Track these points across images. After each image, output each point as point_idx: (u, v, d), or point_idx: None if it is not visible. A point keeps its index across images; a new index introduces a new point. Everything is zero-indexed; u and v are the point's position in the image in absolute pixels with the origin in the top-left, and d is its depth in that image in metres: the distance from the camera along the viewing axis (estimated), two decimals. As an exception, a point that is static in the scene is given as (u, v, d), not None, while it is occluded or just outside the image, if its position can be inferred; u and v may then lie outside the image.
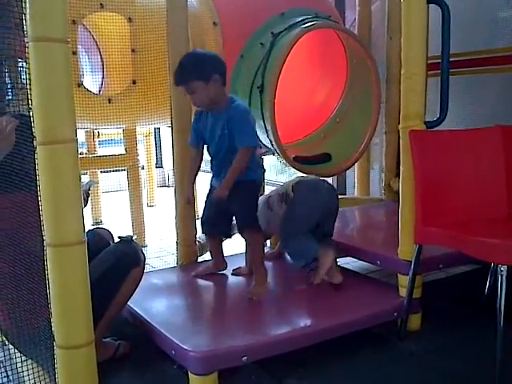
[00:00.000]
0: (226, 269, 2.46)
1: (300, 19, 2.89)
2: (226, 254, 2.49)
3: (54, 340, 1.47)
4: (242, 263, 2.47)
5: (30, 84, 1.36)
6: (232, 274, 2.44)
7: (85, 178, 4.19)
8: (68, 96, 1.38)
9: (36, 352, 1.59)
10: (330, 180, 4.09)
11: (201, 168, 2.37)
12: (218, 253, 2.46)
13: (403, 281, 2.13)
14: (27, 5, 1.32)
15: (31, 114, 1.38)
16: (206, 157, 2.34)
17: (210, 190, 2.35)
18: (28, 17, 1.32)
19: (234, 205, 2.19)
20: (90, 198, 2.15)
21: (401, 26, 2.10)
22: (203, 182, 2.32)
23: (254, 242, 2.26)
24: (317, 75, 3.46)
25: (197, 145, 2.30)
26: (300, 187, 2.42)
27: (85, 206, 2.13)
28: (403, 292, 2.13)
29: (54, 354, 1.49)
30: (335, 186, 4.15)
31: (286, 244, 2.36)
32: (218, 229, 2.38)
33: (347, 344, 1.99)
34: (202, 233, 2.50)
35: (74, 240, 1.41)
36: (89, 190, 2.12)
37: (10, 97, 1.76)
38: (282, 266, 2.59)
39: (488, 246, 1.75)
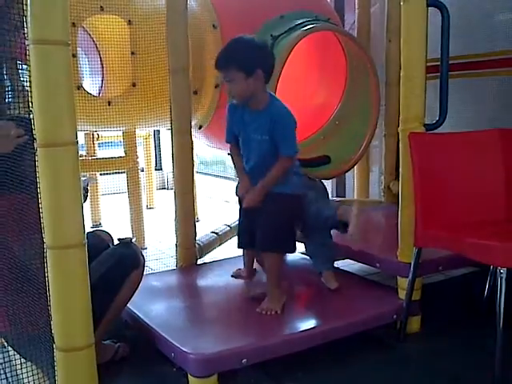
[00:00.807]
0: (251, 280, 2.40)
1: (299, 22, 2.90)
2: (225, 255, 2.47)
3: (54, 342, 1.46)
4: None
5: (30, 86, 1.36)
6: (232, 276, 2.43)
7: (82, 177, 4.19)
8: (69, 98, 1.38)
9: (35, 354, 1.59)
10: (329, 182, 4.11)
11: (200, 171, 2.36)
12: (251, 263, 2.38)
13: (403, 283, 2.13)
14: (28, 7, 1.32)
15: (31, 116, 1.38)
16: (203, 159, 2.31)
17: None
18: (29, 19, 1.32)
19: (259, 219, 2.06)
20: (88, 196, 2.13)
21: (400, 29, 2.11)
22: (203, 184, 2.31)
23: (271, 264, 2.10)
24: (316, 78, 3.47)
25: (233, 140, 2.14)
26: None
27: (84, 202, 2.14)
28: (402, 294, 2.13)
29: (53, 357, 1.49)
30: (335, 188, 4.17)
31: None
32: (250, 242, 2.17)
33: (346, 346, 1.99)
34: (238, 247, 2.32)
35: (75, 242, 1.41)
36: (87, 186, 2.11)
37: (10, 99, 1.76)
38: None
39: (487, 248, 1.75)
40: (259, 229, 2.06)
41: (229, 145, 2.20)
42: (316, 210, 2.26)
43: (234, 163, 2.22)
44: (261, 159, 2.06)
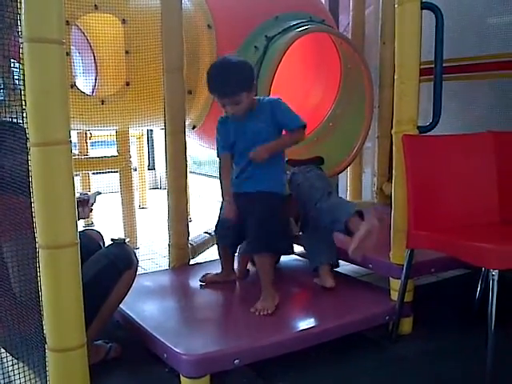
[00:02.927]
0: (234, 279, 2.40)
1: (294, 23, 2.90)
2: (218, 256, 2.46)
3: (46, 343, 1.46)
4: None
5: (23, 85, 1.35)
6: (200, 281, 2.37)
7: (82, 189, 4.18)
8: (62, 97, 1.37)
9: (27, 355, 1.58)
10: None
11: (193, 171, 2.35)
12: (229, 263, 2.37)
13: (395, 285, 2.14)
14: (22, 5, 1.31)
15: (24, 115, 1.37)
16: (196, 159, 2.31)
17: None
18: (23, 17, 1.32)
19: (249, 220, 2.08)
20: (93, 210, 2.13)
21: (394, 32, 2.11)
22: (196, 184, 2.30)
23: (262, 266, 2.11)
24: (310, 79, 3.48)
25: (229, 150, 2.18)
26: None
27: (87, 217, 2.13)
28: (395, 296, 2.14)
29: (45, 357, 1.48)
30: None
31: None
32: (230, 240, 2.25)
33: (339, 347, 2.00)
34: (219, 243, 2.38)
35: (67, 242, 1.40)
36: (94, 201, 2.11)
37: (2, 98, 1.75)
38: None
39: (479, 250, 1.76)
40: (250, 230, 2.07)
41: (221, 157, 2.22)
42: (326, 208, 2.19)
43: (221, 180, 2.22)
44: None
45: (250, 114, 2.11)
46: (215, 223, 2.30)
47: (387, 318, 2.10)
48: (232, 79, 2.03)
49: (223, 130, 2.19)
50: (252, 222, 2.07)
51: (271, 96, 2.69)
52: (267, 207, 2.07)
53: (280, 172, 2.16)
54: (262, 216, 2.06)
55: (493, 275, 1.69)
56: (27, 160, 1.39)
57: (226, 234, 2.23)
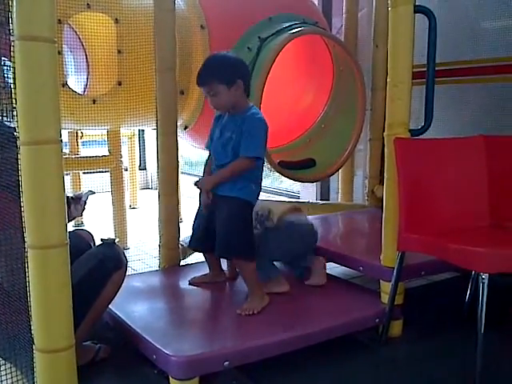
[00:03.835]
0: (224, 280, 2.39)
1: (287, 25, 2.91)
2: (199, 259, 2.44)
3: (34, 343, 1.44)
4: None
5: (14, 83, 1.34)
6: (189, 284, 2.36)
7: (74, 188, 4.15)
8: (53, 96, 1.36)
9: (14, 355, 1.57)
10: (313, 185, 4.13)
11: (185, 171, 2.35)
12: (215, 264, 2.37)
13: (385, 287, 2.14)
14: (14, 3, 1.30)
15: (15, 113, 1.36)
16: (188, 160, 2.31)
17: (199, 199, 2.24)
18: (14, 15, 1.30)
19: (218, 225, 2.08)
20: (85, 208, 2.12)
21: (387, 35, 2.12)
22: (188, 184, 2.29)
23: (242, 269, 2.13)
24: (303, 81, 3.48)
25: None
26: (287, 221, 2.35)
27: (80, 215, 2.12)
28: (385, 298, 2.14)
29: (33, 358, 1.46)
30: (319, 191, 4.18)
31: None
32: (205, 245, 2.22)
33: (328, 350, 1.99)
34: (189, 247, 2.39)
35: (57, 242, 1.39)
36: (87, 199, 2.10)
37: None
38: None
39: (470, 254, 1.77)
40: (217, 234, 2.08)
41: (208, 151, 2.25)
42: (287, 248, 2.29)
43: (204, 167, 2.27)
44: (228, 158, 2.08)
45: (235, 117, 2.10)
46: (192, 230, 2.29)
47: (377, 320, 2.10)
48: (208, 68, 2.06)
49: (214, 125, 2.21)
50: (217, 228, 2.09)
51: (265, 97, 2.70)
52: (231, 213, 2.06)
53: (247, 179, 2.10)
54: (225, 222, 2.06)
55: (483, 279, 1.70)
56: (16, 158, 1.37)
57: (197, 237, 2.24)
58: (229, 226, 2.05)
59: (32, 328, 1.44)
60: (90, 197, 2.12)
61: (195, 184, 2.14)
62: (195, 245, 2.29)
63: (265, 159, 2.78)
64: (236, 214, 2.06)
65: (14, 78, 1.33)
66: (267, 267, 2.25)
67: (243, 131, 2.05)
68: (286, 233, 2.32)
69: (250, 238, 2.11)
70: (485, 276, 1.69)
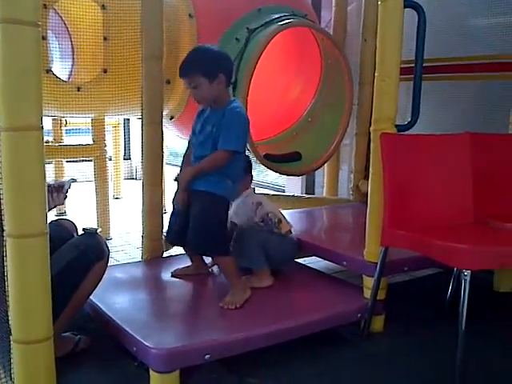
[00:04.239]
0: (206, 272, 2.38)
1: (276, 16, 2.89)
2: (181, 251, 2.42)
3: (11, 334, 1.42)
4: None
5: (-5, 67, 1.31)
6: (172, 276, 2.34)
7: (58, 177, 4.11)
8: (36, 82, 1.33)
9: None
10: (299, 179, 4.13)
11: (170, 162, 2.32)
12: (196, 258, 2.35)
13: (368, 282, 2.14)
14: (-4, -15, 1.27)
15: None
16: (173, 150, 2.28)
17: (175, 193, 2.21)
18: (-4, -3, 1.27)
19: (191, 220, 2.06)
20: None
21: (376, 29, 2.11)
22: (172, 175, 2.26)
23: (221, 264, 2.14)
24: (291, 73, 3.46)
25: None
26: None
27: (62, 203, 2.08)
28: (368, 293, 2.14)
29: (10, 349, 1.44)
30: (304, 185, 4.18)
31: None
32: (182, 239, 2.17)
33: (310, 344, 1.99)
34: (166, 241, 2.40)
35: (36, 231, 1.36)
36: (69, 187, 2.06)
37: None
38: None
39: (452, 250, 1.77)
40: (188, 230, 2.07)
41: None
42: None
43: (183, 161, 2.25)
44: (207, 151, 2.07)
45: (216, 111, 2.08)
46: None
47: (359, 315, 2.11)
48: (190, 60, 2.06)
49: (197, 119, 2.19)
50: (191, 223, 2.07)
51: (253, 88, 2.68)
52: (204, 208, 2.04)
53: (223, 175, 2.08)
54: (197, 217, 2.05)
55: (465, 275, 1.70)
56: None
57: (174, 231, 2.22)
58: (201, 222, 2.04)
59: (10, 318, 1.41)
60: (72, 185, 2.08)
61: (175, 179, 2.12)
62: (172, 239, 2.29)
63: (250, 151, 2.78)
64: (209, 210, 2.04)
65: (-4, 62, 1.30)
66: (255, 257, 2.25)
67: (222, 124, 2.03)
68: (287, 245, 2.36)
69: (223, 234, 2.10)
70: (467, 273, 1.70)
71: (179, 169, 2.26)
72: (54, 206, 2.00)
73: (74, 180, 2.10)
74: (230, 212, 2.26)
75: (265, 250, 2.24)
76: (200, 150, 2.11)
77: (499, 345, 2.08)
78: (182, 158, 2.28)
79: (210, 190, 2.05)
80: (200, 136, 2.12)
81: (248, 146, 2.78)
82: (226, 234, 2.14)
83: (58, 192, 2.00)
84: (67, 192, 2.06)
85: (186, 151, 2.25)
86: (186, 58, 2.08)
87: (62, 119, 4.14)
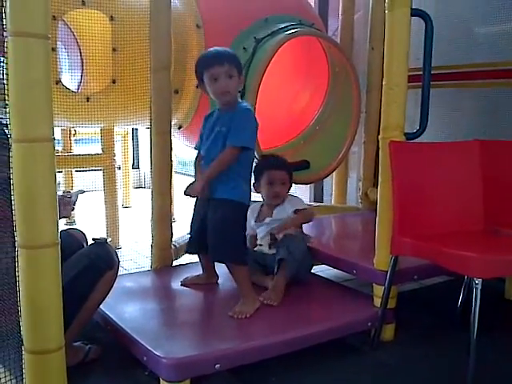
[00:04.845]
0: (216, 282, 2.38)
1: (283, 25, 2.90)
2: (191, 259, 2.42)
3: (23, 344, 1.42)
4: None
5: (7, 80, 1.32)
6: (181, 285, 2.35)
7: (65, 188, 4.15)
8: (46, 94, 1.34)
9: (3, 356, 1.54)
10: (307, 187, 4.12)
11: (178, 171, 2.33)
12: (209, 266, 2.35)
13: (378, 291, 2.13)
14: (7, -2, 1.28)
15: (7, 110, 1.34)
16: (182, 159, 2.28)
17: (196, 202, 2.23)
18: (8, 10, 1.28)
19: (211, 227, 2.07)
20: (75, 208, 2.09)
21: (383, 37, 2.11)
22: (181, 184, 2.27)
23: (234, 273, 2.10)
24: (298, 82, 3.47)
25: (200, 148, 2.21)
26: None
27: (69, 215, 2.09)
28: (377, 302, 2.13)
29: (22, 359, 1.44)
30: (312, 193, 4.17)
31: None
32: (201, 247, 2.20)
33: (320, 353, 1.99)
34: (187, 252, 2.40)
35: (48, 242, 1.37)
36: (76, 199, 2.08)
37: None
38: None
39: (463, 259, 1.76)
40: (209, 238, 2.08)
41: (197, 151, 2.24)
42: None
43: (195, 169, 2.24)
44: (218, 151, 2.06)
45: (225, 112, 2.08)
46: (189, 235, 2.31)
47: (369, 324, 2.10)
48: (224, 51, 2.10)
49: (204, 125, 2.20)
50: (210, 231, 2.08)
51: (260, 98, 2.69)
52: (223, 216, 2.04)
53: (238, 178, 2.08)
54: (217, 225, 2.05)
55: (476, 284, 1.69)
56: (8, 156, 1.35)
57: (194, 241, 2.25)
58: (221, 230, 2.04)
59: (21, 329, 1.42)
60: (79, 196, 2.10)
61: (185, 193, 2.10)
62: (192, 250, 2.31)
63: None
64: (228, 217, 2.05)
65: (7, 74, 1.31)
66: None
67: (232, 122, 2.03)
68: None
69: (242, 242, 2.11)
70: (478, 281, 1.69)
71: (190, 177, 2.26)
72: (62, 218, 2.01)
73: (81, 192, 2.12)
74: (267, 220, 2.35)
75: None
76: (211, 152, 2.09)
77: None
78: (192, 168, 2.28)
79: (226, 196, 2.05)
80: (208, 141, 2.11)
81: (256, 154, 2.79)
82: (244, 242, 2.16)
83: (66, 204, 2.01)
84: (74, 204, 2.07)
85: (196, 158, 2.24)
86: (215, 50, 2.10)
87: (72, 129, 4.17)
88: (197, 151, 2.24)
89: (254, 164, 2.36)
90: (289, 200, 2.43)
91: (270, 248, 2.37)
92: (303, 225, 2.50)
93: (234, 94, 2.07)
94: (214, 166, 2.04)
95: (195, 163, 2.24)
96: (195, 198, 2.21)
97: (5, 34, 1.31)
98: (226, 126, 2.05)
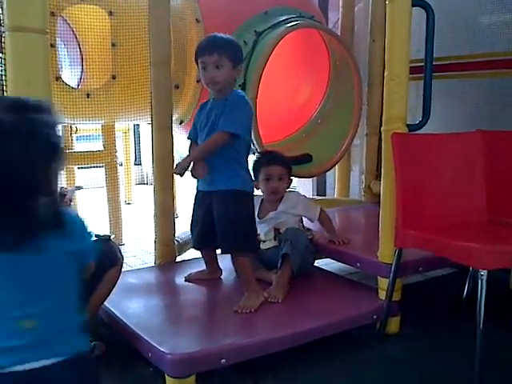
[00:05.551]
0: (220, 276, 2.38)
1: (283, 18, 2.88)
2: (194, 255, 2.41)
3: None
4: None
5: (5, 75, 1.31)
6: (185, 281, 2.34)
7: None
8: (45, 89, 1.34)
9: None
10: (310, 181, 4.11)
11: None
12: (212, 261, 2.34)
13: (383, 284, 2.12)
14: (5, -7, 1.27)
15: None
16: (183, 155, 2.25)
17: (196, 196, 2.22)
18: (5, 5, 1.27)
19: (218, 220, 2.06)
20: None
21: (384, 29, 2.10)
22: (182, 179, 2.25)
23: (239, 266, 2.12)
24: (299, 75, 3.45)
25: (196, 138, 2.15)
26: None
27: None
28: (382, 295, 2.12)
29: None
30: (315, 186, 4.16)
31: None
32: (208, 241, 2.18)
33: (326, 346, 1.98)
34: (192, 247, 2.37)
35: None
36: (72, 196, 2.07)
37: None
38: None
39: (468, 250, 1.75)
40: (218, 230, 2.06)
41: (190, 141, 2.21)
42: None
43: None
44: None
45: (219, 101, 2.05)
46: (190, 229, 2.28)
47: (375, 317, 2.09)
48: (219, 39, 2.04)
49: (197, 115, 2.17)
50: (217, 223, 2.06)
51: (261, 91, 2.67)
52: (228, 208, 2.03)
53: (237, 167, 2.06)
54: (224, 218, 2.04)
55: (481, 275, 1.68)
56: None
57: (199, 236, 2.22)
58: (231, 220, 2.03)
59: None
60: (76, 192, 2.09)
61: (175, 172, 2.08)
62: (199, 245, 2.28)
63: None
64: (234, 208, 2.03)
65: (5, 70, 1.30)
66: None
67: (225, 109, 2.01)
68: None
69: (252, 228, 2.12)
70: (483, 272, 1.68)
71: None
72: None
73: (78, 188, 2.12)
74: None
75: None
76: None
77: (518, 344, 2.06)
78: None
79: (228, 187, 2.04)
80: (204, 131, 2.08)
81: (258, 148, 2.78)
82: (254, 228, 2.16)
83: (61, 201, 2.01)
84: (71, 201, 2.07)
85: (190, 147, 2.20)
86: (211, 37, 2.06)
87: (72, 126, 4.16)
88: (190, 141, 2.20)
89: (253, 162, 2.34)
90: (289, 195, 2.43)
91: (275, 240, 2.36)
92: (304, 218, 2.49)
93: (223, 84, 2.02)
94: (202, 147, 2.04)
95: (189, 151, 2.19)
96: (195, 198, 2.21)
97: (2, 29, 1.30)
98: (219, 114, 2.02)
